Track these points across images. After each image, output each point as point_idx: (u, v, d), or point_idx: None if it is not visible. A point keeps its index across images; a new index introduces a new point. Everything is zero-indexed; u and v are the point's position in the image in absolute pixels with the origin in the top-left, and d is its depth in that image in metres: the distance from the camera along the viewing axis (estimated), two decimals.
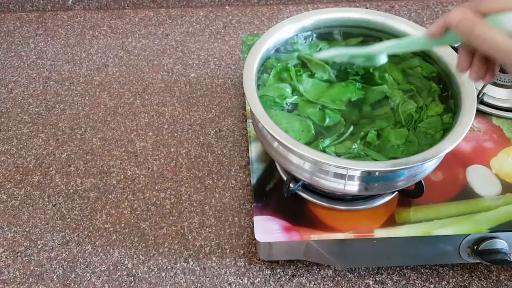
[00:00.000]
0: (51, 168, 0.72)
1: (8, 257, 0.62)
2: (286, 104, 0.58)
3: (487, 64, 0.45)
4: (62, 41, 0.93)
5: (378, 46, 0.55)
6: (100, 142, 0.75)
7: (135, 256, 0.62)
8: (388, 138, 0.55)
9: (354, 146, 0.54)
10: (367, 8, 0.98)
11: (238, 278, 0.60)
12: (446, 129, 0.55)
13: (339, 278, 0.60)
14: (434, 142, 0.53)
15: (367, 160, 0.53)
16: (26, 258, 0.62)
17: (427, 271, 0.61)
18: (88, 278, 0.60)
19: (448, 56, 0.60)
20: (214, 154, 0.73)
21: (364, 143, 0.55)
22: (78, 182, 0.70)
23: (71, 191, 0.69)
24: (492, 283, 0.60)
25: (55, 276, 0.61)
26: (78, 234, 0.64)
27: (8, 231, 0.65)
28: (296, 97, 0.59)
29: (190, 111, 0.79)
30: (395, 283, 0.60)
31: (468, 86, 0.56)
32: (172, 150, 0.74)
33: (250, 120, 0.67)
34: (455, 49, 0.64)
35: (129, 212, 0.66)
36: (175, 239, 0.64)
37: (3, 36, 0.94)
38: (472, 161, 0.63)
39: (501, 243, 0.56)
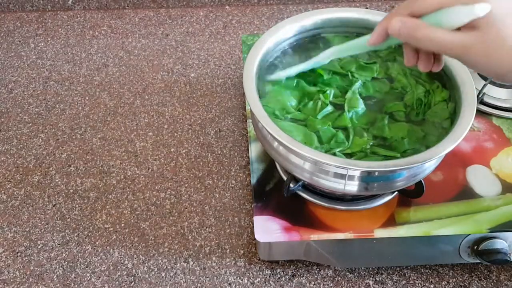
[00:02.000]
0: (51, 168, 0.72)
1: (8, 257, 0.62)
2: (285, 118, 0.57)
3: (433, 55, 0.48)
4: (62, 41, 0.93)
5: (323, 55, 0.58)
6: (100, 142, 0.75)
7: (135, 256, 0.62)
8: (394, 133, 0.56)
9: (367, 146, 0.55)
10: (367, 8, 0.98)
11: (238, 278, 0.60)
12: (452, 118, 0.56)
13: (339, 278, 0.60)
14: (443, 131, 0.54)
15: (372, 159, 0.53)
16: (26, 258, 0.62)
17: (427, 271, 0.61)
18: (88, 278, 0.60)
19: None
20: (214, 154, 0.73)
21: (376, 142, 0.55)
22: (78, 182, 0.70)
23: (71, 191, 0.69)
24: (492, 283, 0.60)
25: (55, 276, 0.61)
26: (78, 234, 0.64)
27: (8, 231, 0.65)
28: (298, 112, 0.58)
29: (190, 111, 0.79)
30: (395, 283, 0.60)
31: (468, 86, 0.56)
32: (172, 150, 0.74)
33: (250, 120, 0.68)
34: None
35: (129, 212, 0.66)
36: (175, 239, 0.64)
37: (3, 36, 0.94)
38: (472, 161, 0.63)
39: (501, 243, 0.56)
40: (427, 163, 0.53)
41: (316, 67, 0.60)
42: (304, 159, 0.53)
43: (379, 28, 0.47)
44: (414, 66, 0.49)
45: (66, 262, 0.62)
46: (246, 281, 0.60)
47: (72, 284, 0.60)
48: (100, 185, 0.69)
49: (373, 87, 0.60)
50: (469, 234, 0.56)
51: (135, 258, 0.62)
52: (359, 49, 0.56)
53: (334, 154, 0.53)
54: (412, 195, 0.58)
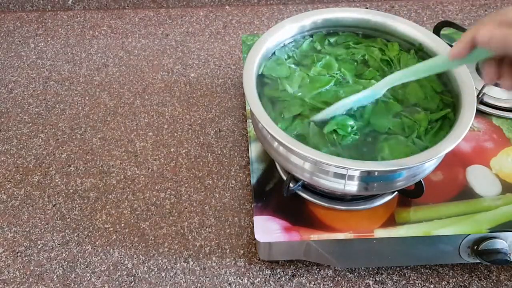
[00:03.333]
0: (51, 168, 0.72)
1: (8, 257, 0.62)
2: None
3: None
4: (62, 41, 0.93)
5: (384, 81, 0.54)
6: (100, 142, 0.75)
7: (135, 256, 0.62)
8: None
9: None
10: (367, 8, 0.98)
11: (238, 278, 0.60)
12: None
13: (339, 278, 0.60)
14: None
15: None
16: (26, 258, 0.62)
17: (427, 271, 0.61)
18: (88, 278, 0.60)
19: None
20: (214, 154, 0.73)
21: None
22: (78, 182, 0.70)
23: (71, 191, 0.69)
24: (492, 283, 0.60)
25: (55, 276, 0.61)
26: (78, 234, 0.64)
27: (8, 231, 0.65)
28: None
29: (190, 111, 0.79)
30: (395, 283, 0.60)
31: (468, 86, 0.56)
32: (172, 150, 0.74)
33: (250, 120, 0.68)
34: None
35: (129, 212, 0.66)
36: (175, 239, 0.64)
37: (3, 36, 0.94)
38: (472, 161, 0.63)
39: (501, 243, 0.56)
40: (427, 163, 0.53)
41: (370, 100, 0.57)
42: (304, 159, 0.53)
43: (465, 38, 0.43)
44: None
45: (66, 262, 0.62)
46: (246, 281, 0.60)
47: (72, 284, 0.60)
48: (100, 185, 0.69)
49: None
50: (469, 234, 0.56)
51: (135, 258, 0.62)
52: (435, 69, 0.51)
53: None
54: (412, 195, 0.58)
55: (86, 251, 0.63)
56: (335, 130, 0.55)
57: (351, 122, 0.55)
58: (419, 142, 0.54)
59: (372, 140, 0.55)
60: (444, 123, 0.56)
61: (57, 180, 0.70)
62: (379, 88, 0.55)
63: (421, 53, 0.63)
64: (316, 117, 0.56)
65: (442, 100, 0.58)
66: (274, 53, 0.63)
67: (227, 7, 1.00)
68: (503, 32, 0.41)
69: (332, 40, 0.65)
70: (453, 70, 0.58)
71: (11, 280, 0.60)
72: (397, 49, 0.64)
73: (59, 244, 0.64)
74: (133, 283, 0.60)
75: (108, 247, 0.63)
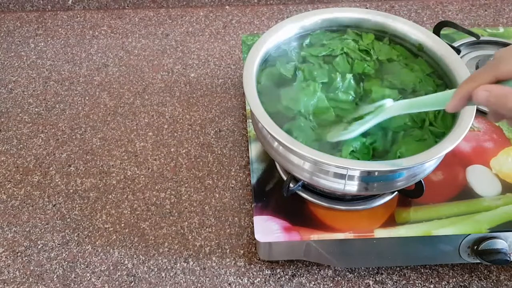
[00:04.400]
0: (51, 168, 0.72)
1: (8, 257, 0.62)
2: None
3: None
4: (62, 41, 0.93)
5: (389, 110, 0.53)
6: (100, 142, 0.75)
7: (135, 256, 0.62)
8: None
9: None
10: (367, 8, 0.98)
11: (238, 278, 0.60)
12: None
13: (339, 278, 0.60)
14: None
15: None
16: (26, 258, 0.62)
17: (427, 271, 0.61)
18: (88, 278, 0.60)
19: (449, 56, 0.60)
20: (214, 154, 0.73)
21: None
22: (78, 182, 0.70)
23: (71, 191, 0.69)
24: (492, 283, 0.60)
25: (55, 276, 0.61)
26: (78, 234, 0.64)
27: (8, 231, 0.65)
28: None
29: (190, 111, 0.79)
30: (395, 283, 0.60)
31: None
32: (172, 150, 0.74)
33: (250, 120, 0.68)
34: (456, 49, 0.64)
35: (129, 212, 0.66)
36: (175, 239, 0.64)
37: (3, 36, 0.94)
38: (472, 161, 0.63)
39: (501, 243, 0.56)
40: (427, 163, 0.53)
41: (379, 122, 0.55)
42: (304, 159, 0.53)
43: (460, 93, 0.43)
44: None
45: (66, 262, 0.62)
46: (246, 281, 0.60)
47: (72, 284, 0.60)
48: (100, 185, 0.69)
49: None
50: (469, 234, 0.56)
51: (135, 258, 0.62)
52: (432, 106, 0.51)
53: None
54: (412, 195, 0.58)
55: (86, 251, 0.63)
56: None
57: (367, 142, 0.54)
58: (434, 129, 0.55)
59: (390, 141, 0.55)
60: None
61: (57, 180, 0.70)
62: (383, 118, 0.54)
63: (421, 52, 0.63)
64: (331, 137, 0.55)
65: (434, 81, 0.59)
66: (274, 64, 0.62)
67: (227, 7, 1.00)
68: (501, 94, 0.40)
69: (306, 42, 0.65)
70: (453, 70, 0.58)
71: (11, 280, 0.60)
72: (371, 38, 0.64)
73: (59, 244, 0.64)
74: (133, 283, 0.60)
75: (108, 247, 0.63)
